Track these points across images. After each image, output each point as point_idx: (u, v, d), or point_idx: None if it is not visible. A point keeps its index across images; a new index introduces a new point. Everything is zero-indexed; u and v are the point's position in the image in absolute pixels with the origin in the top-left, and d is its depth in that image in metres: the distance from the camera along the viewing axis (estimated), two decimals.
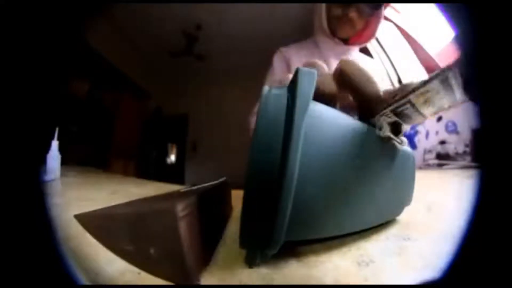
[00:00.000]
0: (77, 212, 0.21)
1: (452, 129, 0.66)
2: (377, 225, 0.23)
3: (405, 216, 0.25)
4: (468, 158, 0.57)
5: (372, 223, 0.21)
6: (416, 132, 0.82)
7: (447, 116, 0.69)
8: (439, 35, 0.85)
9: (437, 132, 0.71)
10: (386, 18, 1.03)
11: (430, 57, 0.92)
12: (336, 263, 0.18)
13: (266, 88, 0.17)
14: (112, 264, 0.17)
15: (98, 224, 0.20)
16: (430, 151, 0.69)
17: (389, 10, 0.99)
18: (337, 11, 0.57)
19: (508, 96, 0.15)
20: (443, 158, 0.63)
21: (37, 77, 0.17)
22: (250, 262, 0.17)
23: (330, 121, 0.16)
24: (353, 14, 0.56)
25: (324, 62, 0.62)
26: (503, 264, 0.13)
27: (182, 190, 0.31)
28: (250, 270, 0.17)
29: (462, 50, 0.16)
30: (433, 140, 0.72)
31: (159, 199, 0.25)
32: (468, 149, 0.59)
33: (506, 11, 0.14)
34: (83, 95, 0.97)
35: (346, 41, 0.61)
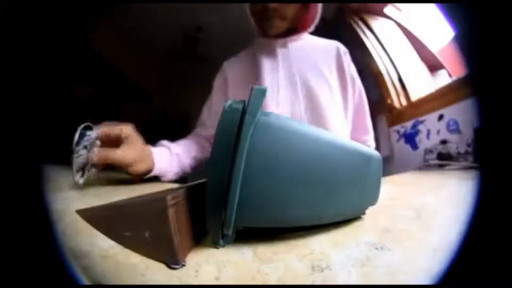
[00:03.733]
0: (80, 207, 0.22)
1: (454, 128, 0.65)
2: (341, 224, 0.23)
3: (387, 222, 0.24)
4: (470, 158, 0.56)
5: (328, 220, 0.23)
6: (417, 132, 0.81)
7: (448, 114, 0.68)
8: (441, 33, 0.84)
9: (438, 131, 0.70)
10: (387, 16, 1.03)
11: (432, 54, 0.92)
12: (289, 263, 0.18)
13: (228, 102, 0.20)
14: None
15: (100, 215, 0.22)
16: (431, 151, 0.68)
17: (390, 8, 0.99)
18: (257, 5, 0.50)
19: (508, 95, 0.14)
20: (444, 158, 0.62)
21: (41, 79, 0.17)
22: (215, 242, 0.20)
23: (279, 130, 0.20)
24: (274, 4, 0.47)
25: (255, 69, 0.52)
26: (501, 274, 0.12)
27: (176, 187, 0.32)
28: (209, 254, 0.19)
29: (462, 50, 0.16)
30: (434, 140, 0.71)
31: (154, 193, 0.28)
32: (470, 149, 0.58)
33: (506, 11, 0.14)
34: (87, 97, 0.98)
35: (288, 33, 0.52)
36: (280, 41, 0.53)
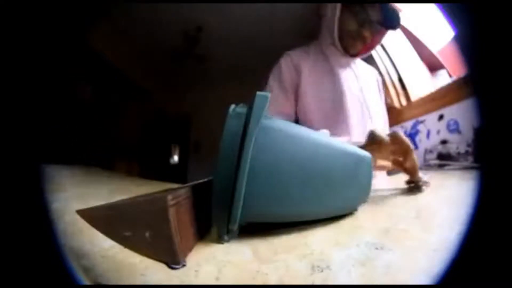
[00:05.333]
0: (80, 207, 0.22)
1: (454, 128, 0.65)
2: (341, 224, 0.24)
3: (387, 222, 0.24)
4: (471, 158, 0.56)
5: (324, 215, 0.24)
6: (417, 132, 0.81)
7: (448, 114, 0.68)
8: (441, 33, 0.84)
9: (438, 131, 0.70)
10: None
11: (432, 54, 0.92)
12: (289, 263, 0.18)
13: (232, 106, 0.21)
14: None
15: (100, 215, 0.22)
16: (431, 151, 0.68)
17: None
18: (352, 27, 0.55)
19: (508, 95, 0.14)
20: (444, 158, 0.62)
21: (42, 79, 0.17)
22: (220, 237, 0.21)
23: (281, 133, 0.21)
24: (367, 33, 0.54)
25: (332, 73, 0.59)
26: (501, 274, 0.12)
27: (176, 187, 0.33)
28: (209, 254, 0.19)
29: (462, 50, 0.16)
30: (434, 140, 0.71)
31: (154, 193, 0.28)
32: (470, 149, 0.58)
33: (505, 11, 0.14)
34: (87, 97, 0.98)
35: (354, 54, 0.59)
36: (350, 58, 0.59)
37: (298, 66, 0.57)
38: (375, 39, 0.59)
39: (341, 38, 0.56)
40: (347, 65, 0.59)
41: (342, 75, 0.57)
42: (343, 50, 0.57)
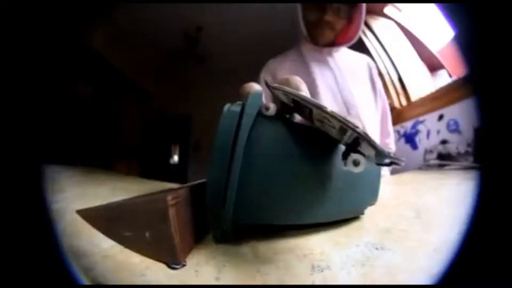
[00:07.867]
0: (80, 207, 0.22)
1: (454, 128, 0.65)
2: (341, 224, 0.23)
3: (387, 222, 0.24)
4: (471, 158, 0.56)
5: (327, 218, 0.23)
6: (417, 132, 0.81)
7: (448, 114, 0.68)
8: (441, 33, 0.84)
9: (438, 131, 0.70)
10: (387, 16, 1.03)
11: (432, 54, 0.92)
12: (288, 263, 0.18)
13: (227, 105, 0.21)
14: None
15: (100, 215, 0.22)
16: (431, 151, 0.68)
17: (390, 8, 0.99)
18: (312, 16, 0.54)
19: (508, 95, 0.14)
20: (444, 158, 0.62)
21: (42, 79, 0.17)
22: (215, 238, 0.20)
23: (278, 129, 0.20)
24: (329, 17, 0.52)
25: (306, 70, 0.58)
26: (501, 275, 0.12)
27: (176, 187, 0.33)
28: (209, 254, 0.19)
29: (462, 50, 0.16)
30: (434, 140, 0.71)
31: (154, 193, 0.28)
32: (470, 149, 0.58)
33: (505, 11, 0.14)
34: (87, 97, 0.98)
35: (332, 43, 0.57)
36: (328, 49, 0.57)
37: (274, 73, 0.58)
38: (352, 22, 0.56)
39: (309, 31, 0.56)
40: (323, 58, 0.58)
41: (315, 69, 0.56)
42: (315, 42, 0.57)
